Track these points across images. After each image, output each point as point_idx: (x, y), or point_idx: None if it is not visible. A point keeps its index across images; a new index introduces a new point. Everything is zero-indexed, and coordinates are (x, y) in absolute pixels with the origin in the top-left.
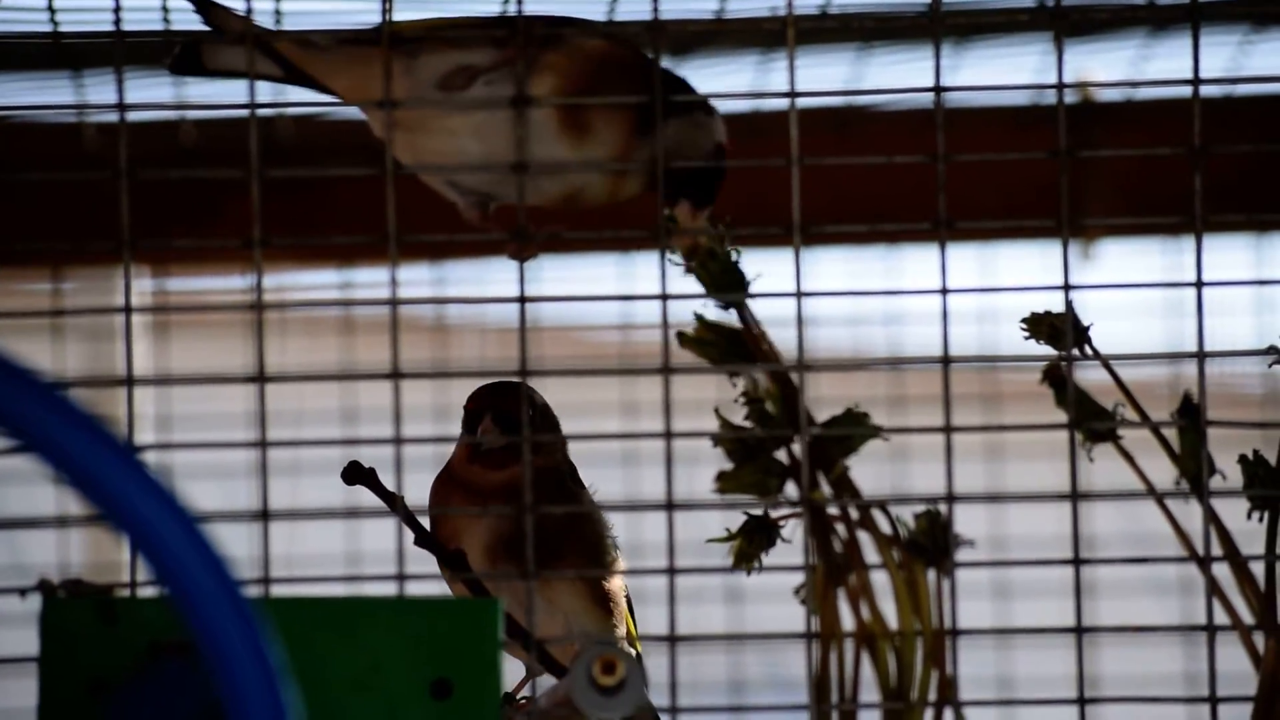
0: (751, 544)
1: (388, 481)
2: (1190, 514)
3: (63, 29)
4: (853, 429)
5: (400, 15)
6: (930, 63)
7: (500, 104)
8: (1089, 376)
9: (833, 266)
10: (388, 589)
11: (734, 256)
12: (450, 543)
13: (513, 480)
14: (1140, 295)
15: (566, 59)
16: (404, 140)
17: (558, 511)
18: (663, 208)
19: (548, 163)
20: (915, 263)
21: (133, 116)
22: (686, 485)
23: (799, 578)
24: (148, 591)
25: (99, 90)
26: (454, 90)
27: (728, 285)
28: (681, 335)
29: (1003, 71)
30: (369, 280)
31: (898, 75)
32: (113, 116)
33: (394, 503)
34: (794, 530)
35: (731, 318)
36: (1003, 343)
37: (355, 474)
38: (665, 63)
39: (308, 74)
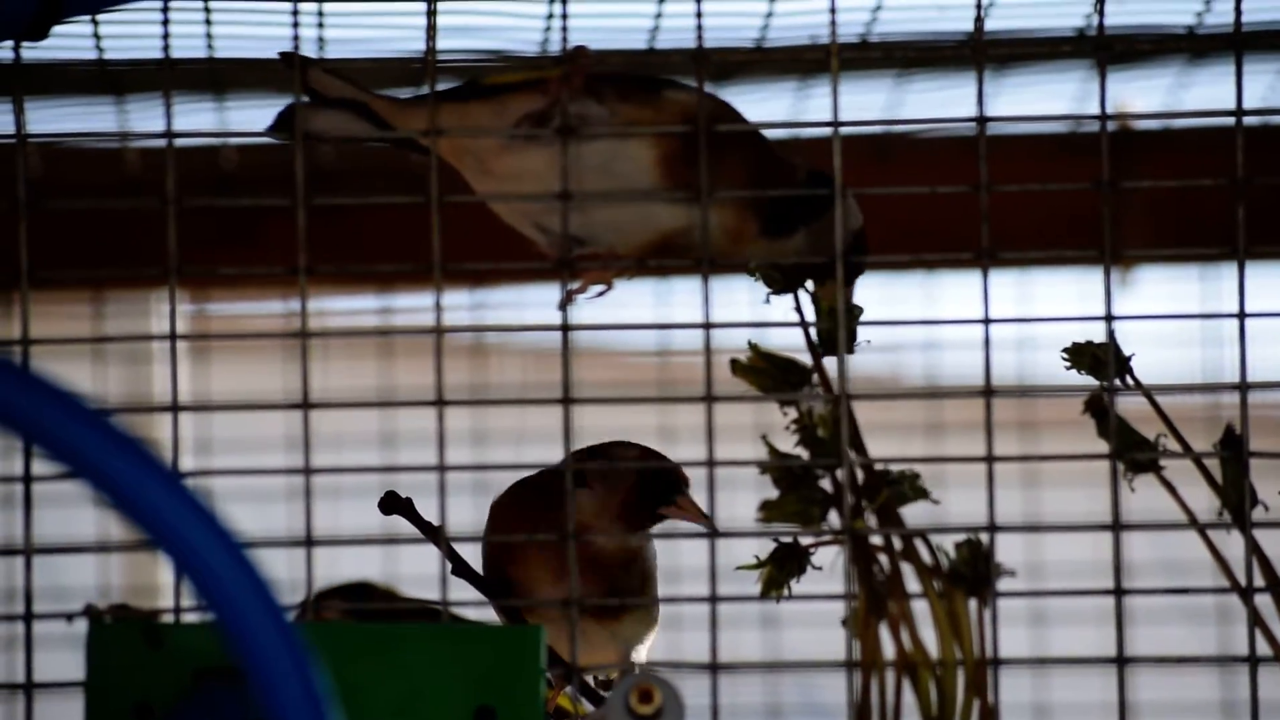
0: (782, 571)
1: (429, 508)
2: (1229, 543)
3: (107, 55)
4: (902, 474)
5: (443, 44)
6: (968, 90)
7: (553, 140)
8: (1127, 403)
9: (869, 292)
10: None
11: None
12: (525, 592)
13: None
14: (1178, 323)
15: (656, 113)
16: (493, 186)
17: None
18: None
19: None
20: (953, 288)
21: (176, 141)
22: (724, 510)
23: (835, 605)
24: (193, 617)
25: (142, 115)
26: (525, 136)
27: (832, 326)
28: (735, 363)
29: (1040, 98)
30: (408, 305)
31: (936, 101)
32: (155, 141)
33: (432, 533)
34: (835, 558)
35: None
36: (1039, 370)
37: (392, 504)
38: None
39: (404, 135)
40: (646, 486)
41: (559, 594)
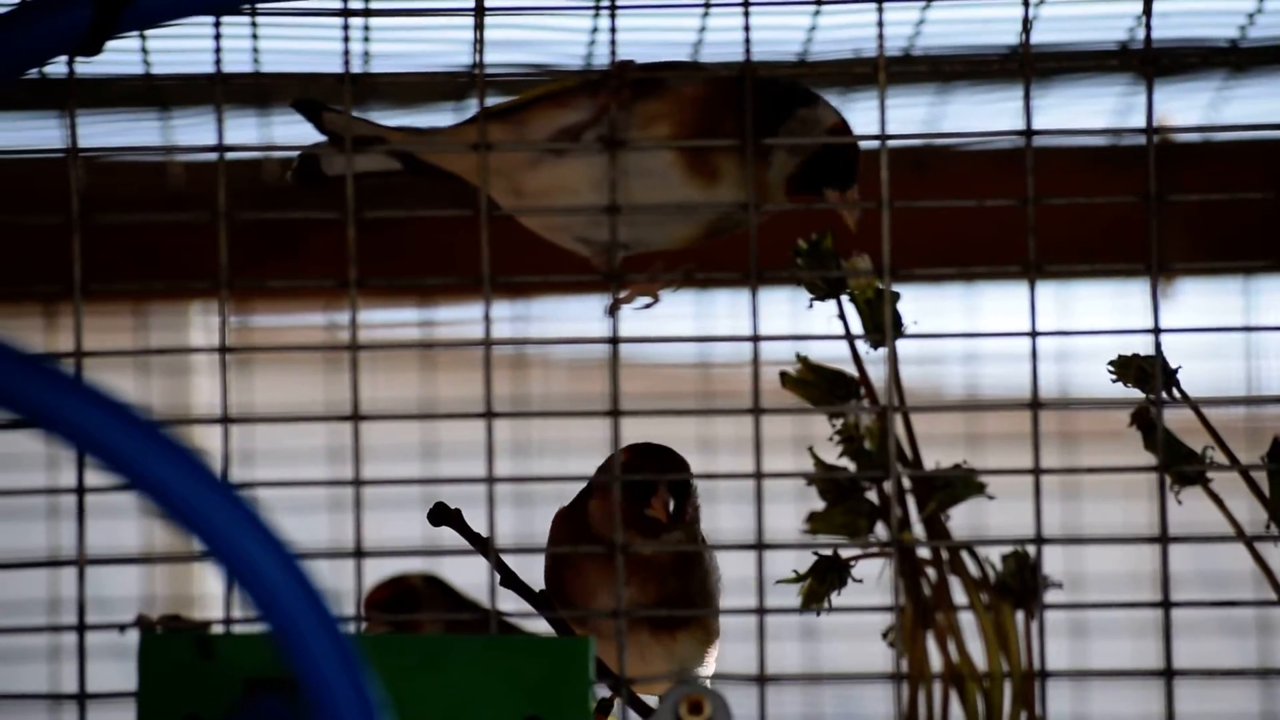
0: (823, 584)
1: (474, 519)
2: (1272, 555)
3: (154, 69)
4: (942, 473)
5: (490, 57)
6: (1010, 103)
7: (595, 149)
8: (1169, 415)
9: (909, 304)
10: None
11: (896, 298)
12: (582, 599)
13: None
14: (1218, 335)
15: (674, 105)
16: (529, 206)
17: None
18: (753, 257)
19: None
20: (993, 299)
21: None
22: (766, 522)
23: (874, 616)
24: (244, 627)
25: (186, 128)
26: (555, 151)
27: (879, 324)
28: (784, 376)
29: (1082, 111)
30: (449, 317)
31: (977, 113)
32: (200, 155)
33: (481, 544)
34: (881, 571)
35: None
36: (1078, 381)
37: (441, 515)
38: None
39: (429, 163)
40: (632, 492)
41: (610, 603)
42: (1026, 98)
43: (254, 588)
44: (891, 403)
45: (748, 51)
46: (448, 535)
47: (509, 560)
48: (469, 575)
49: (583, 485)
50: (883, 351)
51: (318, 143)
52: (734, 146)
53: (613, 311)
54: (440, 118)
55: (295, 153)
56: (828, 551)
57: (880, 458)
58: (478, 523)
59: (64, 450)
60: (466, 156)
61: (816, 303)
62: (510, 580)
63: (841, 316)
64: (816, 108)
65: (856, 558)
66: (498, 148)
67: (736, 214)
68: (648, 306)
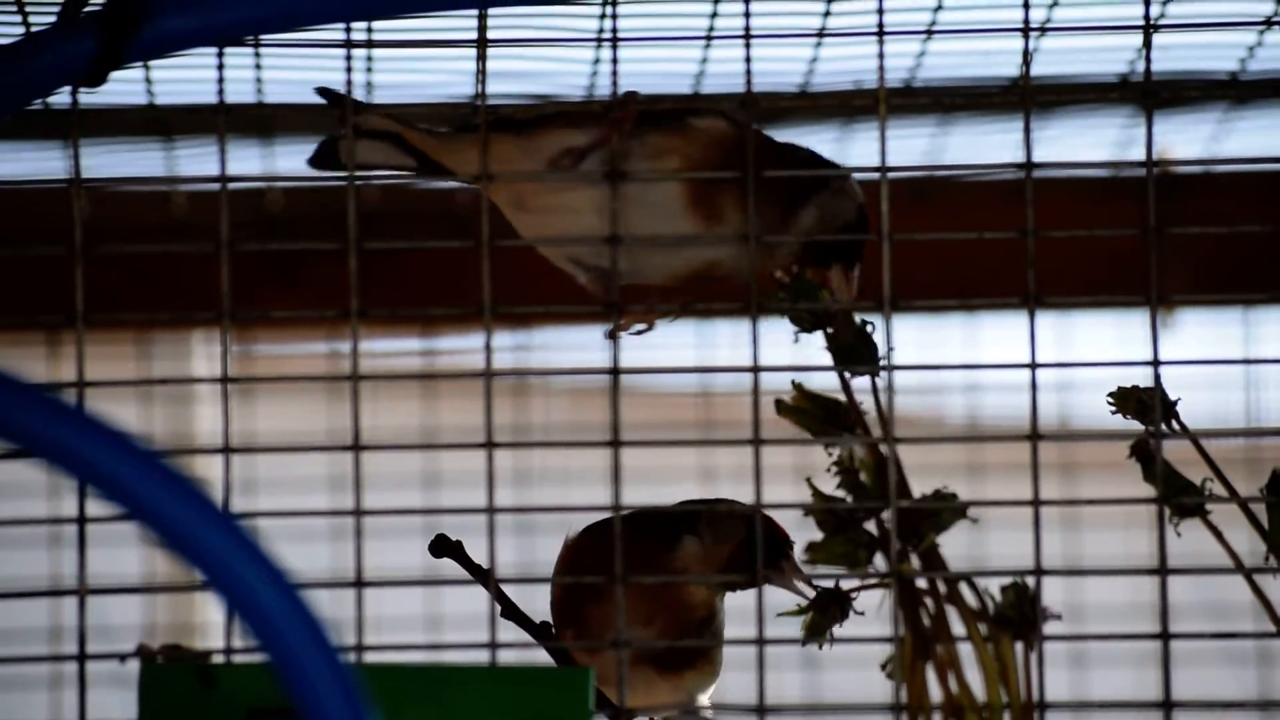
0: (825, 616)
1: (475, 548)
2: (1272, 586)
3: (157, 98)
4: (940, 504)
5: (492, 88)
6: (1011, 134)
7: (598, 179)
8: (1168, 446)
9: (909, 334)
10: (472, 655)
11: (868, 328)
12: (602, 632)
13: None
14: (1218, 367)
15: (688, 142)
16: (529, 221)
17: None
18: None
19: (667, 237)
20: (993, 330)
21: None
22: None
23: (875, 646)
24: (245, 657)
25: (189, 158)
26: (566, 168)
27: (860, 356)
28: (780, 404)
29: (1083, 143)
30: (451, 347)
31: (978, 144)
32: (203, 185)
33: (482, 576)
34: (880, 601)
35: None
36: (1079, 412)
37: (442, 547)
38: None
39: (440, 163)
40: (754, 545)
41: (644, 635)
42: (1027, 130)
43: (254, 618)
44: (892, 434)
45: (749, 83)
46: (449, 565)
47: (510, 590)
48: (471, 606)
49: (588, 514)
50: (880, 382)
51: (336, 133)
52: (740, 189)
53: (611, 337)
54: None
55: (298, 183)
56: (829, 584)
57: (877, 489)
58: (479, 551)
59: (65, 479)
60: (475, 163)
61: (803, 335)
62: (511, 611)
63: (828, 348)
64: (847, 182)
65: (856, 589)
66: (500, 177)
67: (730, 260)
68: (640, 333)
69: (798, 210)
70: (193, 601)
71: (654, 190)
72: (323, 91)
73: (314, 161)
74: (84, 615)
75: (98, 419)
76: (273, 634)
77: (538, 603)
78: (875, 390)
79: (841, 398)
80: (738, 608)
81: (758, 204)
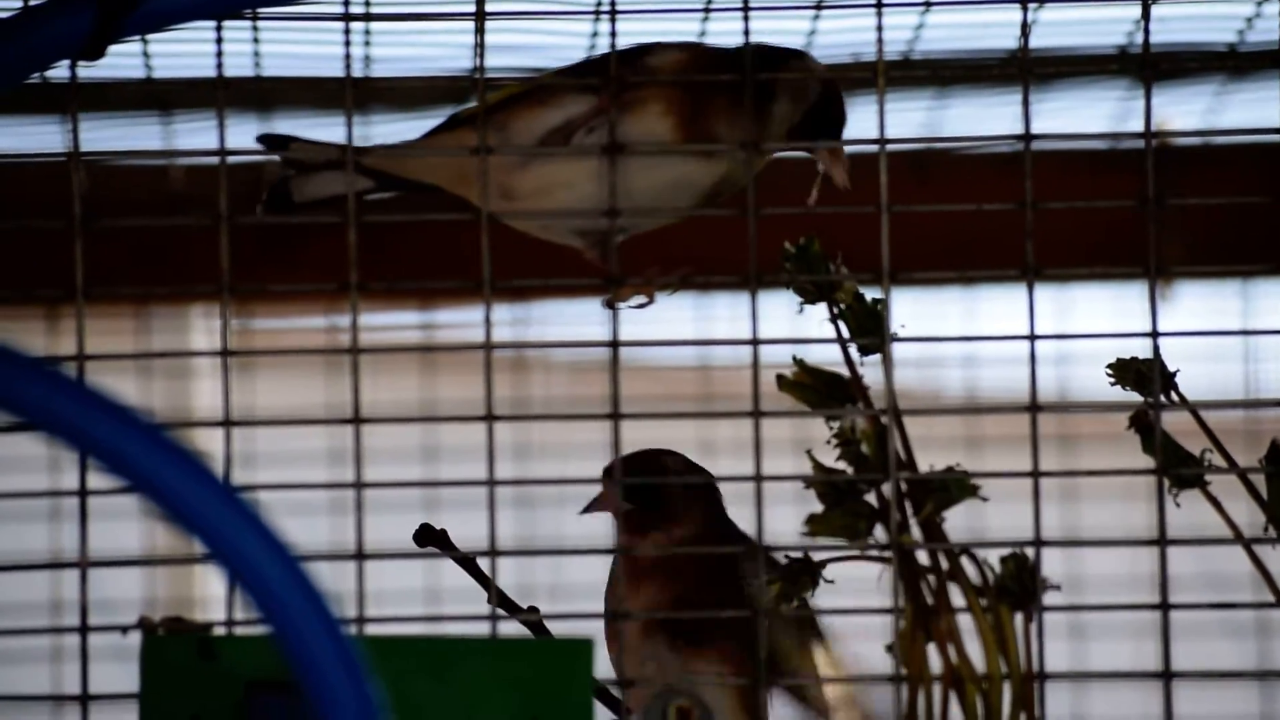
0: (794, 586)
1: (473, 522)
2: (1271, 557)
3: (155, 72)
4: (942, 475)
5: (490, 61)
6: (1005, 106)
7: (595, 152)
8: (1168, 418)
9: (907, 307)
10: (471, 627)
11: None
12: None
13: (669, 553)
14: (1217, 338)
15: (658, 84)
16: (522, 207)
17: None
18: (757, 271)
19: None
20: (992, 303)
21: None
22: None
23: (875, 618)
24: (246, 629)
25: (187, 132)
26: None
27: (870, 330)
28: (781, 379)
29: (1081, 116)
30: (450, 320)
31: (976, 116)
32: (201, 158)
33: (468, 564)
34: (880, 573)
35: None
36: (1077, 384)
37: (427, 536)
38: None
39: (403, 178)
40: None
41: (633, 604)
42: (1025, 102)
43: (256, 590)
44: (894, 406)
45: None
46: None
47: (509, 564)
48: (467, 580)
49: (588, 489)
50: (879, 355)
51: (284, 173)
52: (731, 104)
53: (610, 306)
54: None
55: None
56: (799, 554)
57: (878, 461)
58: (479, 526)
59: (66, 453)
60: (443, 166)
61: (807, 307)
62: (500, 599)
63: (834, 321)
64: (806, 59)
65: (855, 559)
66: (499, 151)
67: (732, 176)
68: (642, 306)
69: (770, 105)
70: (192, 574)
71: (644, 136)
72: (264, 139)
73: (267, 208)
74: (85, 588)
75: (99, 392)
76: (274, 606)
77: (537, 576)
78: (886, 362)
79: (842, 371)
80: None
81: (735, 112)
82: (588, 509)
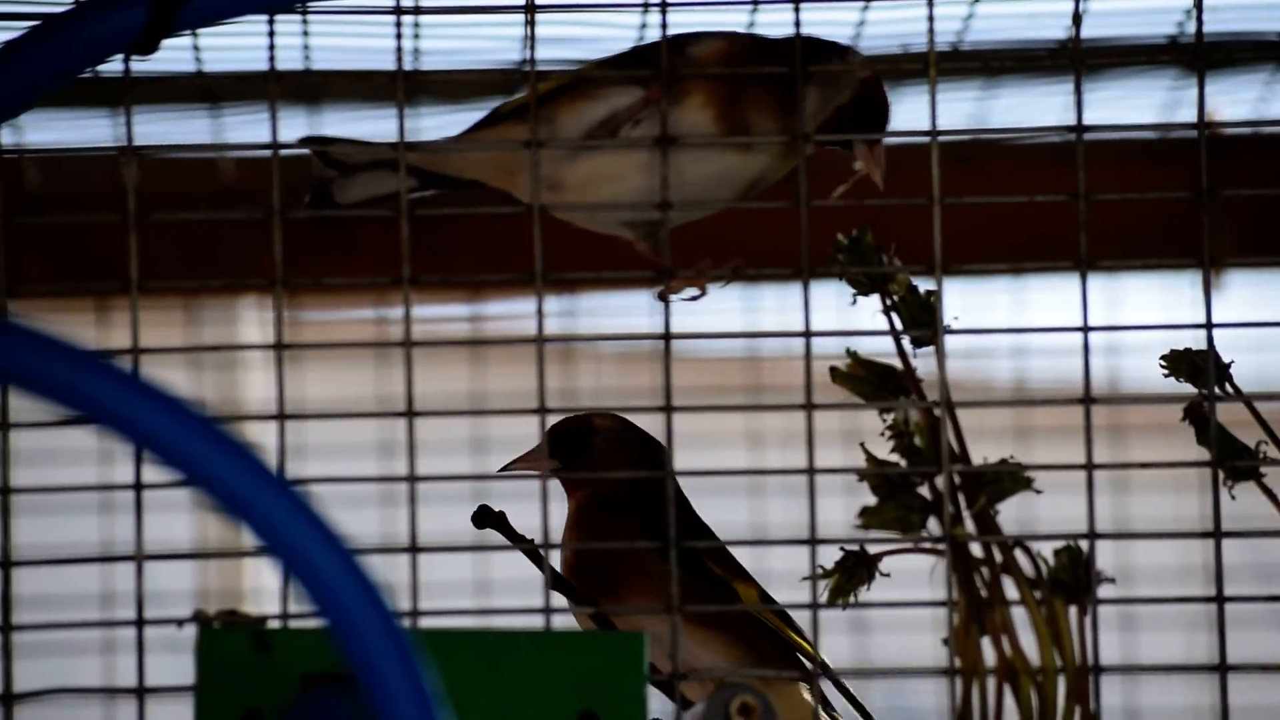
0: (850, 580)
1: (523, 512)
2: None
3: (206, 65)
4: (995, 468)
5: (540, 54)
6: (1054, 96)
7: (645, 144)
8: (1220, 410)
9: (956, 298)
10: (522, 620)
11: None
12: None
13: (578, 507)
14: (1269, 328)
15: (699, 76)
16: (570, 198)
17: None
18: (803, 248)
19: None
20: (1041, 292)
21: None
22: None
23: (924, 610)
24: (300, 622)
25: (237, 124)
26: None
27: (923, 323)
28: (834, 371)
29: (1131, 106)
30: (499, 312)
31: (1025, 106)
32: (252, 150)
33: (526, 546)
34: (933, 566)
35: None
36: (1128, 375)
37: (485, 518)
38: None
39: (446, 175)
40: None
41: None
42: (1077, 93)
43: (310, 583)
44: (946, 398)
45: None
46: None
47: (557, 557)
48: (521, 570)
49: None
50: (931, 346)
51: (326, 174)
52: (765, 95)
53: (662, 299)
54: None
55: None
56: (854, 547)
57: (931, 453)
58: (529, 517)
59: (117, 445)
60: (487, 161)
61: (859, 299)
62: (556, 581)
63: (886, 312)
64: (848, 56)
65: (908, 551)
66: (549, 145)
67: (770, 168)
68: (694, 299)
69: (792, 88)
70: (243, 566)
71: (685, 127)
72: (306, 141)
73: (311, 207)
74: (141, 581)
75: (153, 385)
76: (329, 599)
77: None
78: (939, 355)
79: (894, 363)
80: (789, 570)
81: (769, 103)
82: (508, 466)
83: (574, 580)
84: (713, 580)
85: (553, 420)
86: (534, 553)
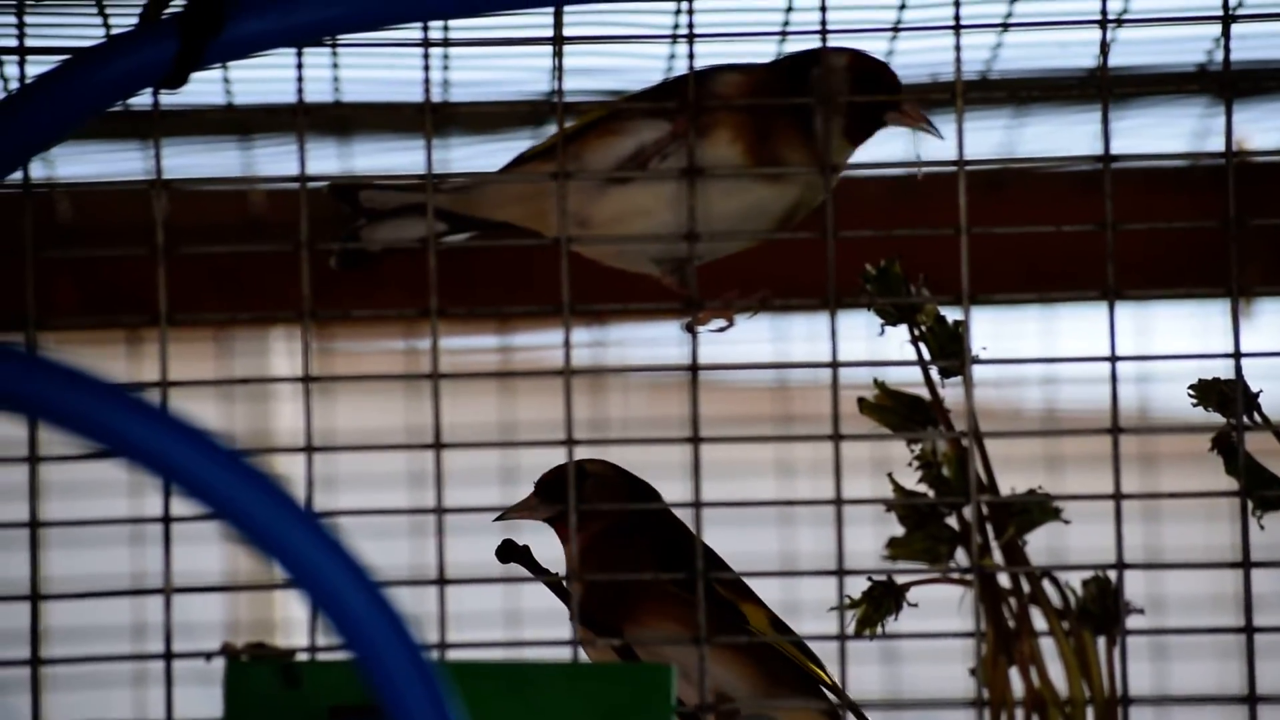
0: (878, 610)
1: (551, 544)
2: None
3: (236, 98)
4: (1023, 498)
5: (568, 85)
6: (1084, 124)
7: (672, 176)
8: (1250, 437)
9: (986, 327)
10: (553, 652)
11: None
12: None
13: (584, 548)
14: None
15: (725, 109)
16: (599, 234)
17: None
18: (833, 276)
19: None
20: (1071, 320)
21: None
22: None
23: (957, 640)
24: (329, 655)
25: (267, 156)
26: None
27: (951, 353)
28: (862, 402)
29: (1159, 134)
30: (528, 342)
31: (1054, 135)
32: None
33: (551, 579)
34: (961, 596)
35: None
36: (1158, 403)
37: (510, 552)
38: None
39: (475, 217)
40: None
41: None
42: (1105, 122)
43: (338, 616)
44: (974, 429)
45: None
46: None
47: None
48: (550, 601)
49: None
50: (959, 376)
51: (355, 222)
52: (791, 125)
53: (689, 330)
54: (519, 145)
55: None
56: (882, 578)
57: (959, 484)
58: (557, 548)
59: (147, 478)
60: (516, 204)
61: (888, 329)
62: (583, 613)
63: (914, 342)
64: (828, 55)
65: (936, 582)
66: (577, 177)
67: (804, 199)
68: (722, 329)
69: (810, 118)
70: (273, 598)
71: (717, 162)
72: (333, 189)
73: (341, 263)
74: (169, 614)
75: (182, 418)
76: (356, 632)
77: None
78: (967, 385)
79: (921, 392)
80: (818, 599)
81: (794, 134)
82: (503, 515)
83: (586, 620)
84: (720, 602)
85: (580, 452)
86: (558, 585)
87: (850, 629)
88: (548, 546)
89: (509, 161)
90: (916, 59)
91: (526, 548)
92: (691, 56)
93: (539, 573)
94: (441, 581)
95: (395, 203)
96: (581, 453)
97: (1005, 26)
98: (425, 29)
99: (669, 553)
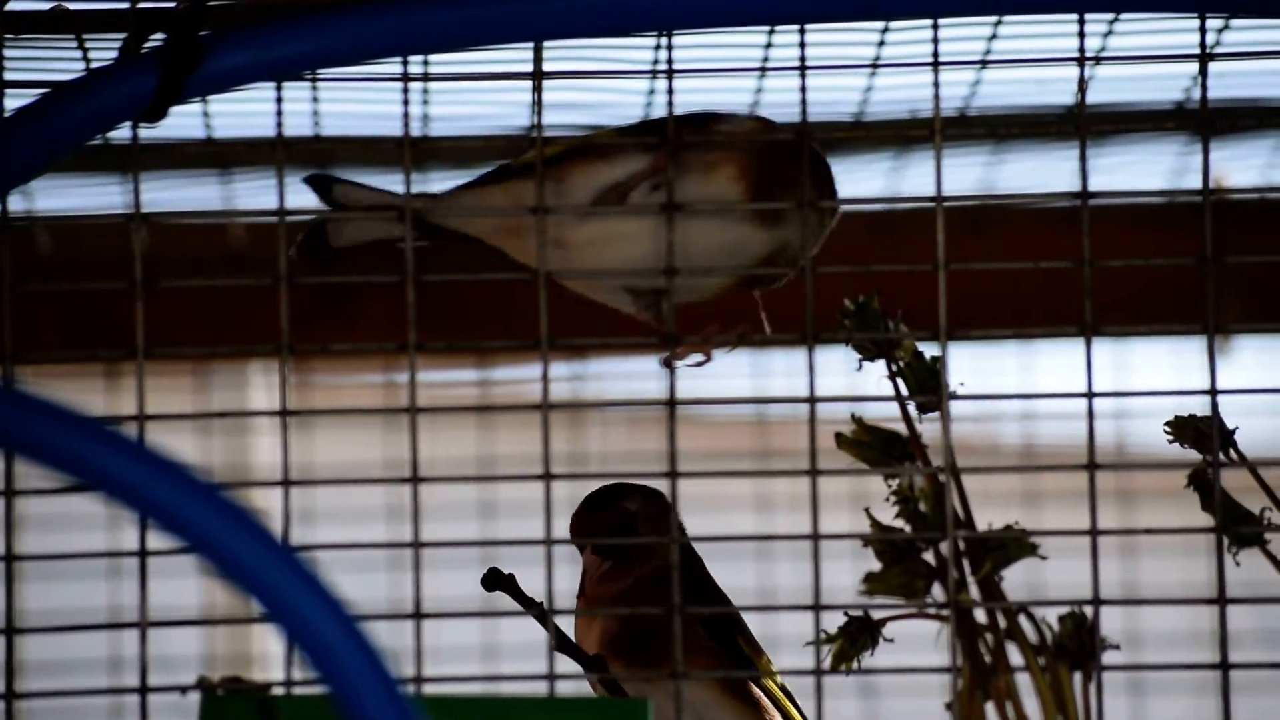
0: (854, 645)
1: (532, 578)
2: None
3: (215, 132)
4: (999, 534)
5: (547, 119)
6: (1064, 161)
7: (652, 210)
8: (1225, 474)
9: (964, 362)
10: (530, 686)
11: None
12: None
13: (621, 591)
14: (1276, 394)
15: (731, 148)
16: (573, 258)
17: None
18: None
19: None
20: (1048, 357)
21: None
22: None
23: (936, 678)
24: (306, 688)
25: (247, 191)
26: (611, 204)
27: (929, 389)
28: (840, 437)
29: (1138, 171)
30: (507, 377)
31: (1033, 171)
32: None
33: (535, 609)
34: (938, 631)
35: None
36: (1135, 438)
37: (495, 580)
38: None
39: (445, 228)
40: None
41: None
42: (1082, 159)
43: (314, 650)
44: (951, 464)
45: (804, 113)
46: (506, 595)
47: (565, 622)
48: (528, 635)
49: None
50: (937, 412)
51: (323, 213)
52: (790, 178)
53: (667, 365)
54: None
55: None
56: (859, 613)
57: (936, 519)
58: (535, 581)
59: (125, 511)
60: (488, 220)
61: (866, 364)
62: (564, 644)
63: (892, 378)
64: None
65: (912, 617)
66: (556, 210)
67: (791, 244)
68: (700, 364)
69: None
70: (250, 631)
71: (711, 199)
72: (309, 179)
73: (301, 249)
74: (145, 648)
75: (158, 453)
76: (332, 665)
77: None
78: (944, 420)
79: (899, 428)
80: (795, 634)
81: (797, 187)
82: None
83: (622, 654)
84: (742, 658)
85: (557, 486)
86: (543, 616)
87: (827, 664)
88: (532, 579)
89: (490, 172)
90: (895, 95)
91: (512, 576)
92: (670, 92)
93: (524, 602)
94: (418, 615)
95: (367, 201)
96: (559, 486)
97: (984, 63)
98: (405, 63)
99: (702, 600)
